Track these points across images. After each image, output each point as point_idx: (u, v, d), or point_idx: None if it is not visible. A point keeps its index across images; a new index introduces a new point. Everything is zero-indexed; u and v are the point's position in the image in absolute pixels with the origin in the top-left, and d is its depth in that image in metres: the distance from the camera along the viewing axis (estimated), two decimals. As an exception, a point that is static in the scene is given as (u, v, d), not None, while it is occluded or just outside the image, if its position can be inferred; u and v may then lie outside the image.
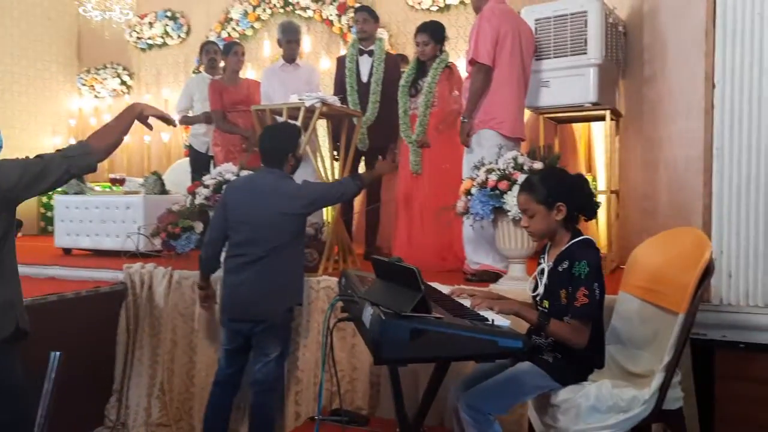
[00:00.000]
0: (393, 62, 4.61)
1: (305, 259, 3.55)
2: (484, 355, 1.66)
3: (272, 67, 5.07)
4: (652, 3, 3.54)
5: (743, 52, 2.52)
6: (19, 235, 7.53)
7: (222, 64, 5.15)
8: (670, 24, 3.21)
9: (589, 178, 5.34)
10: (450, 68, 4.15)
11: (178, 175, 6.13)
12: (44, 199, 7.94)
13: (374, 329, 1.58)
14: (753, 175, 2.53)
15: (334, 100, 3.66)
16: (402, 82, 4.21)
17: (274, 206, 2.96)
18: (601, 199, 4.34)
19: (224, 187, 3.50)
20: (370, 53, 4.51)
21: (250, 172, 3.76)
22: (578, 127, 5.63)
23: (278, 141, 3.09)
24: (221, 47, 5.28)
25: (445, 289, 2.64)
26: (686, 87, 2.86)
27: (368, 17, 4.55)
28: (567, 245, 2.10)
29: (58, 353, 2.90)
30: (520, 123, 3.53)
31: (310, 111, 3.60)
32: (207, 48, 5.32)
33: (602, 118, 3.86)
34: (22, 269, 4.28)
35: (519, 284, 2.93)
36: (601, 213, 4.15)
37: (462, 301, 2.10)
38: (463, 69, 4.00)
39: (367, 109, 4.43)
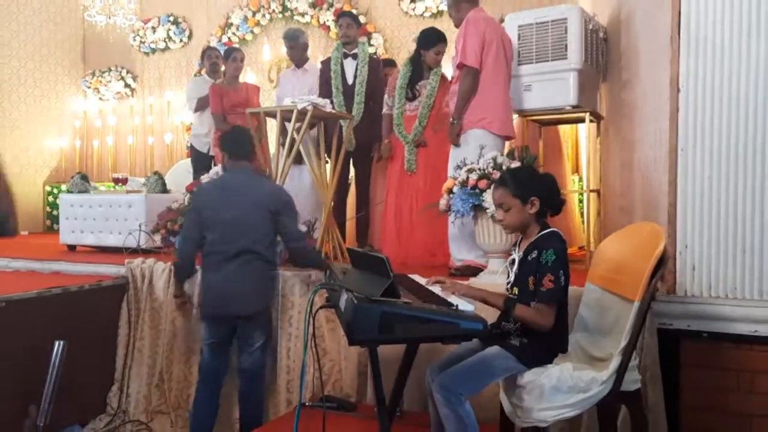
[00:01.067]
0: (376, 65, 4.83)
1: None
2: (448, 337, 1.82)
3: (285, 71, 5.35)
4: (628, 10, 3.70)
5: (706, 58, 2.68)
6: (26, 233, 7.73)
7: (223, 68, 5.33)
8: (642, 31, 3.37)
9: (575, 178, 5.56)
10: (443, 75, 4.37)
11: (179, 174, 6.30)
12: (50, 198, 8.14)
13: (347, 313, 1.74)
14: (715, 174, 2.69)
15: (326, 104, 3.83)
16: (398, 84, 4.36)
17: (247, 202, 3.13)
18: (584, 198, 4.51)
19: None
20: (354, 56, 4.71)
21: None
22: (566, 129, 5.80)
23: (243, 141, 3.28)
24: (222, 52, 5.47)
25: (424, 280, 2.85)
26: (655, 90, 3.02)
27: (351, 22, 4.75)
28: (536, 237, 2.27)
29: (62, 342, 3.09)
30: (508, 122, 3.71)
31: (302, 113, 3.78)
32: (209, 53, 5.49)
33: (583, 121, 4.03)
34: (29, 264, 4.52)
35: (497, 277, 3.09)
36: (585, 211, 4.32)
37: (435, 289, 2.27)
38: (450, 73, 4.20)
39: (353, 109, 4.62)
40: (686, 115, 2.73)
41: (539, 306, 2.13)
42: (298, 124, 3.94)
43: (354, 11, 6.78)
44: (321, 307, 2.22)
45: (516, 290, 2.28)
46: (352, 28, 4.73)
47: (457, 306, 1.88)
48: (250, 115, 4.12)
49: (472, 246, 3.54)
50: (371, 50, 6.67)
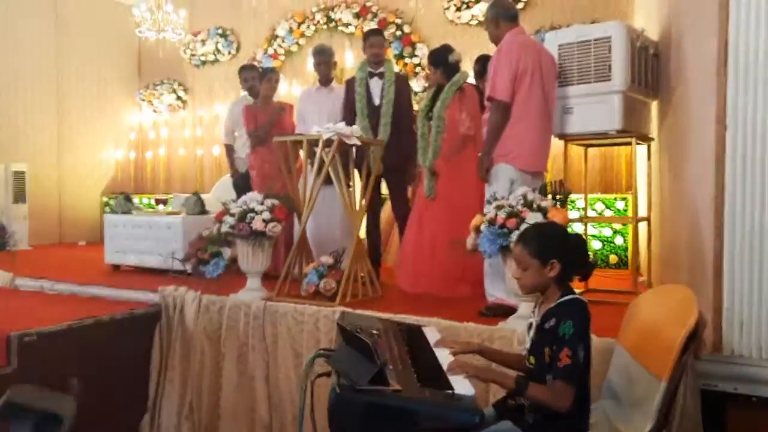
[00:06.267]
0: (403, 82, 4.64)
1: (323, 288, 3.64)
2: (439, 430, 1.66)
3: (308, 89, 5.16)
4: (678, 29, 3.39)
5: (756, 94, 2.40)
6: (83, 243, 7.99)
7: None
8: (691, 54, 3.07)
9: (630, 197, 5.22)
10: (462, 90, 4.08)
11: (224, 191, 6.28)
12: (107, 208, 8.38)
13: (330, 400, 1.62)
14: (766, 221, 2.42)
15: (352, 132, 3.70)
16: (421, 106, 4.19)
17: None
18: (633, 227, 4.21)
19: None
20: (380, 75, 4.52)
21: (274, 201, 3.88)
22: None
23: None
24: (260, 70, 5.42)
25: (445, 324, 2.84)
26: (702, 122, 2.74)
27: (383, 41, 4.59)
28: (556, 302, 2.07)
29: (75, 379, 3.13)
30: (538, 156, 3.46)
31: (328, 142, 3.68)
32: (245, 76, 5.42)
33: (629, 144, 3.76)
34: (70, 287, 4.60)
35: (527, 323, 2.89)
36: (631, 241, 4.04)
37: (441, 354, 2.12)
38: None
39: (379, 131, 4.45)
40: (734, 155, 2.47)
41: (556, 385, 1.93)
42: (326, 149, 3.85)
43: (398, 21, 6.69)
44: (320, 375, 2.11)
45: (532, 359, 2.10)
46: (383, 47, 4.57)
47: (453, 392, 1.72)
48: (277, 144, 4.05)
49: (505, 283, 3.35)
50: (416, 60, 6.51)
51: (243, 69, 5.53)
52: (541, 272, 2.07)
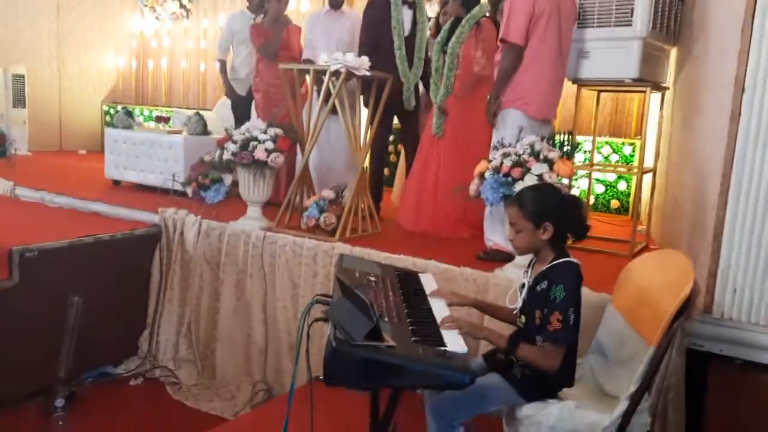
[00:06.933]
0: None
1: (323, 223, 3.65)
2: (431, 386, 1.72)
3: (316, 13, 4.96)
4: (707, -24, 3.24)
5: (780, 57, 2.32)
6: (84, 152, 7.94)
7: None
8: (717, 5, 2.94)
9: (638, 142, 5.14)
10: (479, 24, 3.90)
11: (228, 108, 6.18)
12: (107, 117, 8.28)
13: (326, 352, 1.65)
14: (774, 190, 2.40)
15: (361, 63, 3.60)
16: (438, 39, 4.04)
17: None
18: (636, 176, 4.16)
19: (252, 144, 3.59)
20: (411, 5, 4.31)
21: (277, 130, 3.82)
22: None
23: None
24: None
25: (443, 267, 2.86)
26: (720, 81, 2.66)
27: None
28: (549, 265, 2.08)
29: (77, 298, 3.22)
30: (549, 104, 3.38)
31: (335, 73, 3.58)
32: None
33: (644, 92, 3.67)
34: (71, 202, 4.61)
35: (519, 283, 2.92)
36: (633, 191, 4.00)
37: (437, 301, 2.17)
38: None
39: (413, 65, 4.28)
40: (749, 119, 2.42)
41: (545, 346, 1.98)
42: (334, 78, 3.75)
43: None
44: (316, 320, 2.14)
45: (523, 318, 2.13)
46: None
47: (446, 350, 1.75)
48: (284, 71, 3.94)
49: (503, 229, 3.35)
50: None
51: None
52: (534, 234, 2.07)
